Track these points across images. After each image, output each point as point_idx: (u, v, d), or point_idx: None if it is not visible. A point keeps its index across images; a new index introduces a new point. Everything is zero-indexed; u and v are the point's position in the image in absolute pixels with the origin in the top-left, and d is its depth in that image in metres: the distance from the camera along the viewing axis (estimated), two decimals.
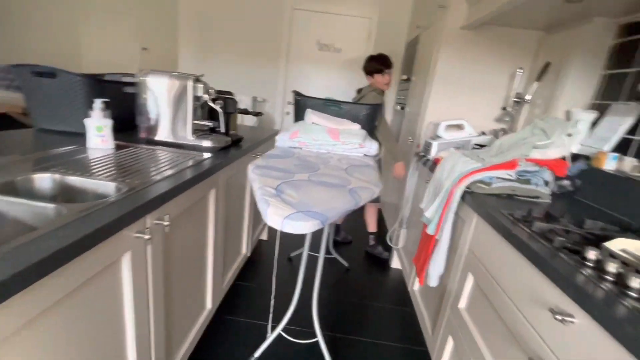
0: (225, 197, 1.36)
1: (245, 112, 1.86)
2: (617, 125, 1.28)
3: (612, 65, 1.41)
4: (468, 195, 1.16)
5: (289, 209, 0.73)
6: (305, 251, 1.47)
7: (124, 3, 4.56)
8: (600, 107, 1.43)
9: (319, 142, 1.33)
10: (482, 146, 1.73)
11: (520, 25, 1.79)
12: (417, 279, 1.61)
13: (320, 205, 0.78)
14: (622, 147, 1.26)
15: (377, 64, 2.09)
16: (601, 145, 1.31)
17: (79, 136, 1.24)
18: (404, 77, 2.86)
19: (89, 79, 1.28)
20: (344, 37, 3.27)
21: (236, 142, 1.56)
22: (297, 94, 1.74)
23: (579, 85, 1.50)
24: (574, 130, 1.35)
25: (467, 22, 1.83)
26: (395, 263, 2.22)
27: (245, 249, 1.83)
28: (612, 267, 0.62)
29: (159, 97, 1.28)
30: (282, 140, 1.35)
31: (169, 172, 0.97)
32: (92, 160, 1.00)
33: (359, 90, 2.26)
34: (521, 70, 1.85)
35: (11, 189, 0.79)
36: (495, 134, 1.80)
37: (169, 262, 0.96)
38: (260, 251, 2.21)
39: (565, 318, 0.61)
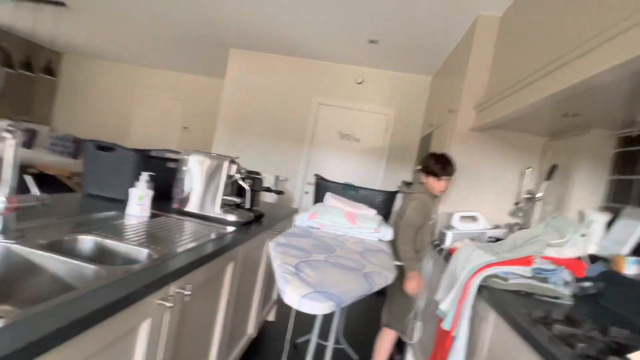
0: (241, 271, 1.39)
1: (268, 189, 2.00)
2: (632, 228, 1.30)
3: (616, 171, 1.49)
4: (485, 290, 1.14)
5: (307, 288, 0.76)
6: (314, 337, 1.41)
7: (173, 88, 5.35)
8: (612, 209, 1.47)
9: (337, 225, 1.39)
10: (497, 240, 1.74)
11: (525, 130, 1.97)
12: None
13: (336, 287, 0.81)
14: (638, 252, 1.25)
15: (435, 165, 1.69)
16: (618, 248, 1.31)
17: (119, 202, 1.37)
18: (418, 167, 3.04)
19: (139, 154, 1.47)
20: (363, 129, 3.62)
21: (258, 217, 1.65)
22: (318, 177, 1.88)
23: (588, 188, 1.57)
24: (588, 231, 1.37)
25: (475, 125, 2.04)
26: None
27: (251, 329, 1.75)
28: None
29: (195, 173, 1.44)
30: (301, 220, 1.43)
31: (194, 243, 1.04)
32: (128, 226, 1.10)
33: (408, 184, 1.92)
34: (530, 170, 1.97)
35: (57, 247, 0.87)
36: (510, 228, 1.83)
37: (181, 333, 0.95)
38: (266, 333, 2.09)
39: None
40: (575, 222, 1.37)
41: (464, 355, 1.18)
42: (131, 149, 1.47)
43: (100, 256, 0.93)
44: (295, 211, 2.26)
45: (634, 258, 1.22)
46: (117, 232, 1.01)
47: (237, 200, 1.51)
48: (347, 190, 1.81)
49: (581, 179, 1.58)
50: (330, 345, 1.40)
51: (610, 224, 1.42)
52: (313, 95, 3.68)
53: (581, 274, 1.21)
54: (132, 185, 1.25)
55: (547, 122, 1.67)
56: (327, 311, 0.74)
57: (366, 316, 2.61)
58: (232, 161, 1.45)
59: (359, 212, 1.52)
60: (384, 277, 0.98)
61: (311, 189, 3.36)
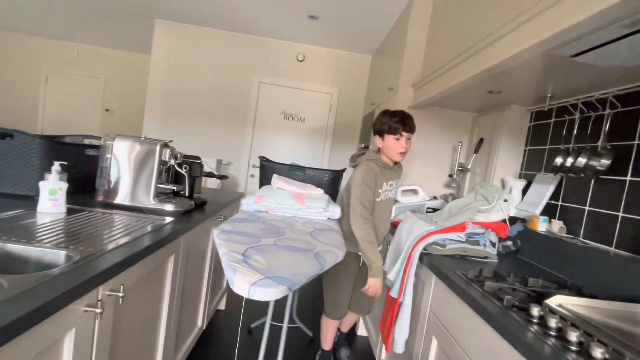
0: (185, 263, 1.30)
1: (210, 175, 1.88)
2: (543, 191, 1.50)
3: (531, 142, 1.69)
4: (425, 257, 1.23)
5: (256, 275, 0.73)
6: (268, 321, 1.40)
7: (90, 65, 4.65)
8: (527, 176, 1.67)
9: (285, 206, 1.36)
10: (434, 210, 1.88)
11: (457, 107, 2.11)
12: (384, 346, 1.57)
13: (287, 270, 0.79)
14: (551, 211, 1.45)
15: (391, 120, 1.39)
16: (533, 209, 1.50)
17: (28, 199, 1.16)
18: (362, 145, 3.12)
19: (47, 141, 1.25)
20: (307, 109, 3.57)
21: (200, 205, 1.55)
22: (264, 159, 1.82)
23: (509, 158, 1.76)
24: (509, 196, 1.54)
25: (413, 103, 2.13)
26: (361, 330, 2.15)
27: (201, 322, 1.68)
28: (553, 322, 0.68)
29: (122, 160, 1.28)
30: (248, 205, 1.37)
31: (127, 239, 0.93)
32: (40, 226, 0.94)
33: (353, 158, 1.55)
34: (461, 144, 2.14)
35: None
36: (446, 198, 1.98)
37: (116, 338, 0.86)
38: (217, 322, 2.03)
39: None
40: (499, 189, 1.53)
41: (410, 318, 1.27)
42: (37, 135, 1.24)
43: (4, 265, 0.78)
44: (241, 196, 2.18)
45: (544, 217, 1.41)
46: (26, 234, 0.85)
47: (174, 187, 1.39)
48: (294, 171, 1.78)
49: (503, 150, 1.76)
50: (284, 326, 1.40)
51: (526, 189, 1.62)
52: (254, 74, 3.50)
53: (504, 234, 1.36)
54: (41, 177, 1.07)
55: (475, 99, 1.80)
56: (279, 296, 0.72)
57: (319, 292, 2.68)
58: (165, 145, 1.31)
59: (307, 193, 1.51)
60: (334, 256, 0.99)
61: (257, 172, 3.27)
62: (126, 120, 4.62)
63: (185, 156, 1.52)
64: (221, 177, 1.98)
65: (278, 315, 1.85)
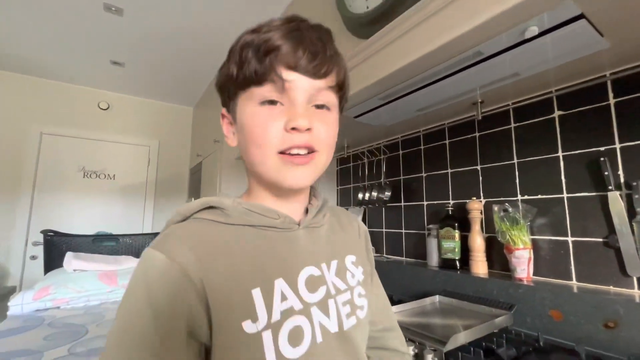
0: None
1: None
2: None
3: (340, 183, 2.05)
4: None
5: None
6: None
7: None
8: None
9: (87, 293, 1.03)
10: None
11: None
12: None
13: None
14: None
15: (260, 38, 0.42)
16: None
17: None
18: (192, 199, 2.89)
19: None
20: (118, 163, 3.01)
21: None
22: (49, 233, 1.35)
23: (328, 195, 2.05)
24: None
25: (239, 154, 2.19)
26: None
27: None
28: None
29: None
30: (19, 306, 0.95)
31: None
32: None
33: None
34: None
35: None
36: None
37: None
38: None
39: None
40: None
41: None
42: None
43: None
44: (14, 290, 1.52)
45: None
46: None
47: None
48: (102, 243, 1.41)
49: (323, 189, 2.04)
50: None
51: None
52: (33, 122, 2.69)
53: None
54: None
55: None
56: None
57: None
58: None
59: (122, 268, 1.21)
60: None
61: (41, 252, 2.42)
62: None
63: None
64: None
65: None
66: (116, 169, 3.00)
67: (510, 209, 1.02)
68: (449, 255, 1.20)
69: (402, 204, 1.53)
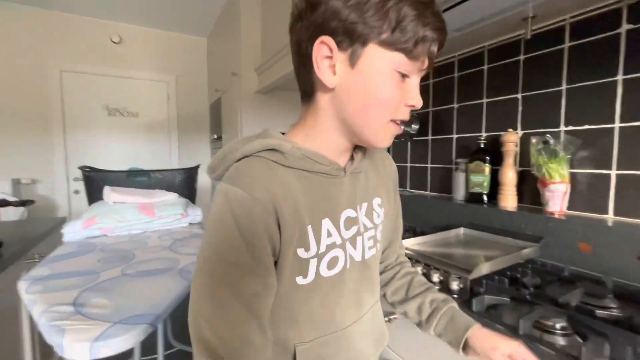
0: None
1: (4, 203, 1.35)
2: None
3: None
4: None
5: (99, 325, 0.55)
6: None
7: None
8: None
9: (129, 223, 1.12)
10: None
11: (297, 89, 2.22)
12: None
13: (144, 303, 0.64)
14: None
15: None
16: None
17: None
18: (215, 136, 2.92)
19: None
20: (138, 101, 3.02)
21: None
22: (87, 169, 1.43)
23: None
24: None
25: (259, 87, 2.10)
26: None
27: None
28: None
29: None
30: (73, 233, 1.05)
31: None
32: None
33: (213, 166, 0.60)
34: None
35: None
36: None
37: None
38: None
39: None
40: None
41: None
42: None
43: None
44: (64, 221, 1.67)
45: None
46: None
47: None
48: (135, 178, 1.48)
49: None
50: (160, 356, 1.19)
51: None
52: (49, 59, 2.66)
53: None
54: None
55: None
56: (139, 339, 0.58)
57: None
58: None
59: (156, 200, 1.28)
60: None
61: (82, 186, 2.61)
62: None
63: None
64: (23, 204, 1.45)
65: (151, 348, 1.57)
66: (138, 107, 3.02)
67: (551, 141, 0.94)
68: (477, 190, 1.17)
69: (430, 137, 1.46)
